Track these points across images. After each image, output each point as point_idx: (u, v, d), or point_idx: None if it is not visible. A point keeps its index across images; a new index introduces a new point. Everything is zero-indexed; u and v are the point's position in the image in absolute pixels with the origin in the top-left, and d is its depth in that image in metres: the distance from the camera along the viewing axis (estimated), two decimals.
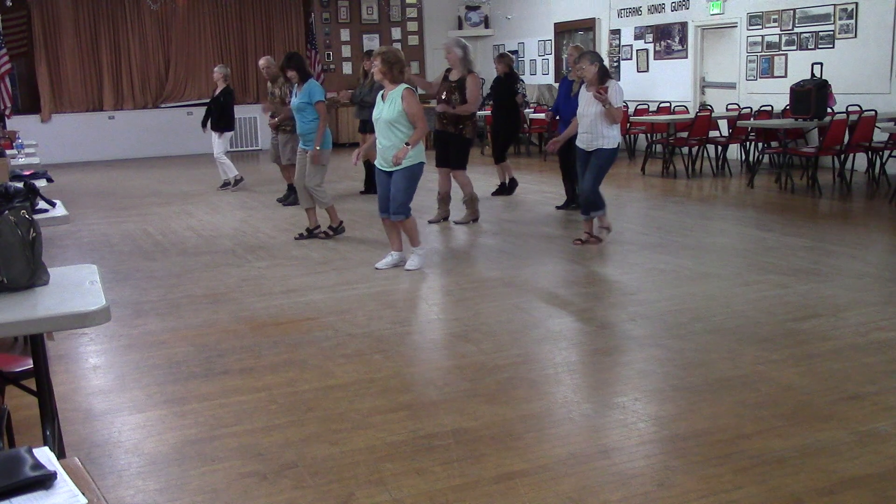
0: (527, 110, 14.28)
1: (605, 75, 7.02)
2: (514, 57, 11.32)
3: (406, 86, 6.25)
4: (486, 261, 6.97)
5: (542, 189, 10.44)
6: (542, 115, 14.25)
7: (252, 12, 17.77)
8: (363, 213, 9.23)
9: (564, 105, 9.06)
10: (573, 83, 8.99)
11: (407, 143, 6.17)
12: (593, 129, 7.02)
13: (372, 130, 10.28)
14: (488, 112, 14.61)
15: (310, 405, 3.89)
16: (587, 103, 7.04)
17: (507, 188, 10.32)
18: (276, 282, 6.32)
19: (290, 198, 10.23)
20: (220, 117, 11.35)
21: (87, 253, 7.63)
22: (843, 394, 3.85)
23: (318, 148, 7.60)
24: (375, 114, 6.41)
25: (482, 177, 10.95)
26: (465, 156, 8.53)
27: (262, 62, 10.46)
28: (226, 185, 11.66)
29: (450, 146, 8.49)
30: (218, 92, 11.50)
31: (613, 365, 4.35)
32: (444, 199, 8.77)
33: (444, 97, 8.33)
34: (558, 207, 9.31)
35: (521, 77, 10.45)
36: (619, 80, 14.70)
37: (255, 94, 17.77)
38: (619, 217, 8.70)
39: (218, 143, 11.48)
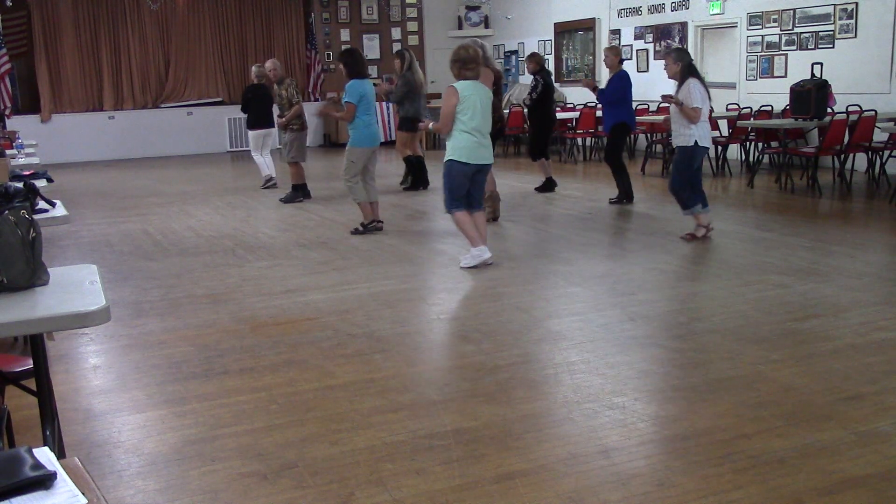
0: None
1: (689, 73, 7.00)
2: (544, 56, 11.27)
3: (454, 84, 6.28)
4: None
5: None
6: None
7: (252, 12, 17.78)
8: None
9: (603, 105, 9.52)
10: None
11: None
12: (675, 126, 7.11)
13: (408, 128, 10.54)
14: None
15: (310, 405, 3.89)
16: None
17: (546, 185, 10.37)
18: (276, 282, 6.32)
19: (289, 195, 10.31)
20: (247, 115, 11.53)
21: (87, 253, 7.63)
22: (843, 394, 3.85)
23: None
24: None
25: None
26: None
27: (268, 64, 10.73)
28: (265, 179, 11.64)
29: None
30: (245, 89, 11.69)
31: (613, 365, 4.35)
32: (488, 198, 8.76)
33: None
34: (611, 201, 9.41)
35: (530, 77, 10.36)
36: None
37: None
38: (620, 217, 8.70)
39: (250, 141, 11.64)
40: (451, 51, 6.55)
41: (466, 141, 6.26)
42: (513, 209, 9.36)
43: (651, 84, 14.54)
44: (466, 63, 6.27)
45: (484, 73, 8.21)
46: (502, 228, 8.33)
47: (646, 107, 13.89)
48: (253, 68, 11.79)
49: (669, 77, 7.14)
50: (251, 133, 11.58)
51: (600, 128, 13.58)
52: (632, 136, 14.13)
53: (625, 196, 9.39)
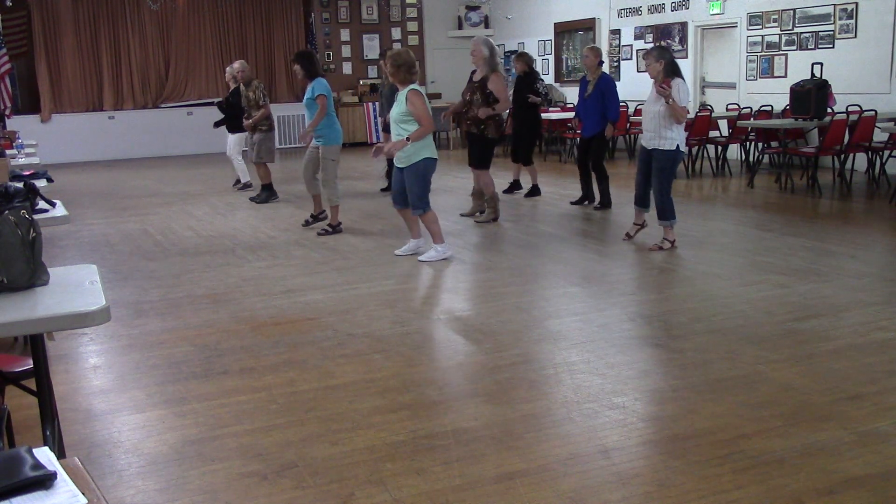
0: (549, 114, 13.92)
1: (673, 72, 6.75)
2: (533, 56, 11.14)
3: (413, 87, 6.50)
4: (487, 261, 6.97)
5: (545, 189, 10.41)
6: (553, 116, 14.16)
7: (252, 12, 17.78)
8: (364, 213, 9.24)
9: (581, 106, 9.30)
10: (588, 84, 9.07)
11: (407, 139, 6.47)
12: (654, 128, 6.82)
13: None
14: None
15: (310, 405, 3.89)
16: (651, 100, 6.85)
17: (536, 189, 10.28)
18: (276, 282, 6.32)
19: (261, 196, 10.41)
20: (231, 117, 11.34)
21: (87, 253, 7.63)
22: (843, 394, 3.85)
23: (311, 134, 8.10)
24: (390, 113, 6.79)
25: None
26: (488, 156, 8.57)
27: (236, 65, 10.69)
28: (242, 183, 11.67)
29: (473, 146, 8.62)
30: (229, 92, 11.53)
31: (613, 365, 4.35)
32: (478, 194, 8.87)
33: (467, 97, 8.48)
34: (572, 203, 9.48)
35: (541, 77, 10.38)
36: (618, 79, 14.74)
37: None
38: (620, 217, 8.70)
39: (232, 144, 11.51)
40: (391, 53, 6.80)
41: (429, 138, 6.65)
42: (512, 210, 9.36)
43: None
44: (412, 67, 6.57)
45: (496, 76, 8.26)
46: (502, 229, 8.33)
47: None
48: (228, 69, 11.55)
49: (651, 77, 6.85)
50: (236, 136, 11.38)
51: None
52: (628, 136, 14.20)
53: (588, 199, 9.43)
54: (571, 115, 14.36)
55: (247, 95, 10.42)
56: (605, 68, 10.64)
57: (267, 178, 10.43)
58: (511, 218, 8.85)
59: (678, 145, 6.84)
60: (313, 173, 8.23)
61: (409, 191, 6.64)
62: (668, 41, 14.28)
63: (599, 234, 8.01)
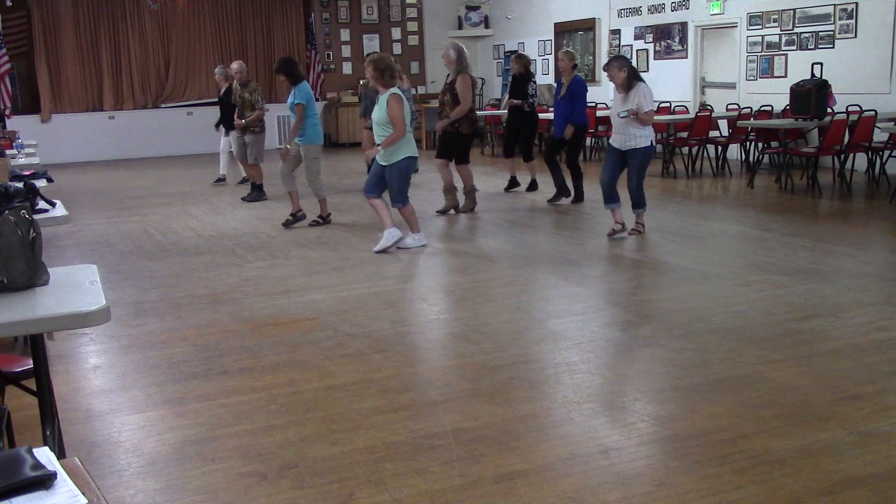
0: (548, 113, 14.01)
1: (634, 78, 7.22)
2: (530, 58, 11.30)
3: (393, 91, 6.85)
4: (486, 260, 6.97)
5: (544, 188, 10.41)
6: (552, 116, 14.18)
7: (252, 12, 17.77)
8: (364, 213, 9.23)
9: (556, 107, 9.65)
10: (562, 86, 9.41)
11: (378, 145, 6.98)
12: (625, 131, 7.27)
13: None
14: (489, 112, 15.10)
15: (310, 405, 3.89)
16: (618, 105, 7.29)
17: (534, 184, 10.51)
18: (276, 282, 6.32)
19: (251, 195, 10.55)
20: (229, 117, 11.36)
21: (87, 253, 7.63)
22: (843, 394, 3.85)
23: (288, 146, 8.42)
24: (373, 116, 7.15)
25: (483, 175, 11.00)
26: (465, 150, 9.09)
27: (234, 66, 10.75)
28: (245, 180, 11.73)
29: (451, 143, 9.03)
30: (223, 92, 11.57)
31: (614, 365, 4.35)
32: (448, 189, 9.16)
33: (442, 99, 8.99)
34: (549, 201, 9.69)
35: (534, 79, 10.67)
36: None
37: None
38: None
39: (233, 142, 11.53)
40: (374, 58, 7.09)
41: (410, 137, 7.08)
42: (512, 209, 9.36)
43: (651, 85, 14.35)
44: (394, 71, 6.99)
45: (462, 78, 8.62)
46: (501, 228, 8.33)
47: None
48: (218, 70, 11.83)
49: (618, 85, 7.27)
50: (234, 134, 11.37)
51: (601, 128, 13.62)
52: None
53: (564, 194, 9.67)
54: None
55: (242, 96, 10.50)
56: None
57: (259, 178, 10.60)
58: (510, 217, 8.85)
59: (651, 140, 7.34)
60: (291, 170, 8.46)
61: (390, 186, 7.09)
62: (669, 41, 14.29)
63: (600, 234, 8.00)
